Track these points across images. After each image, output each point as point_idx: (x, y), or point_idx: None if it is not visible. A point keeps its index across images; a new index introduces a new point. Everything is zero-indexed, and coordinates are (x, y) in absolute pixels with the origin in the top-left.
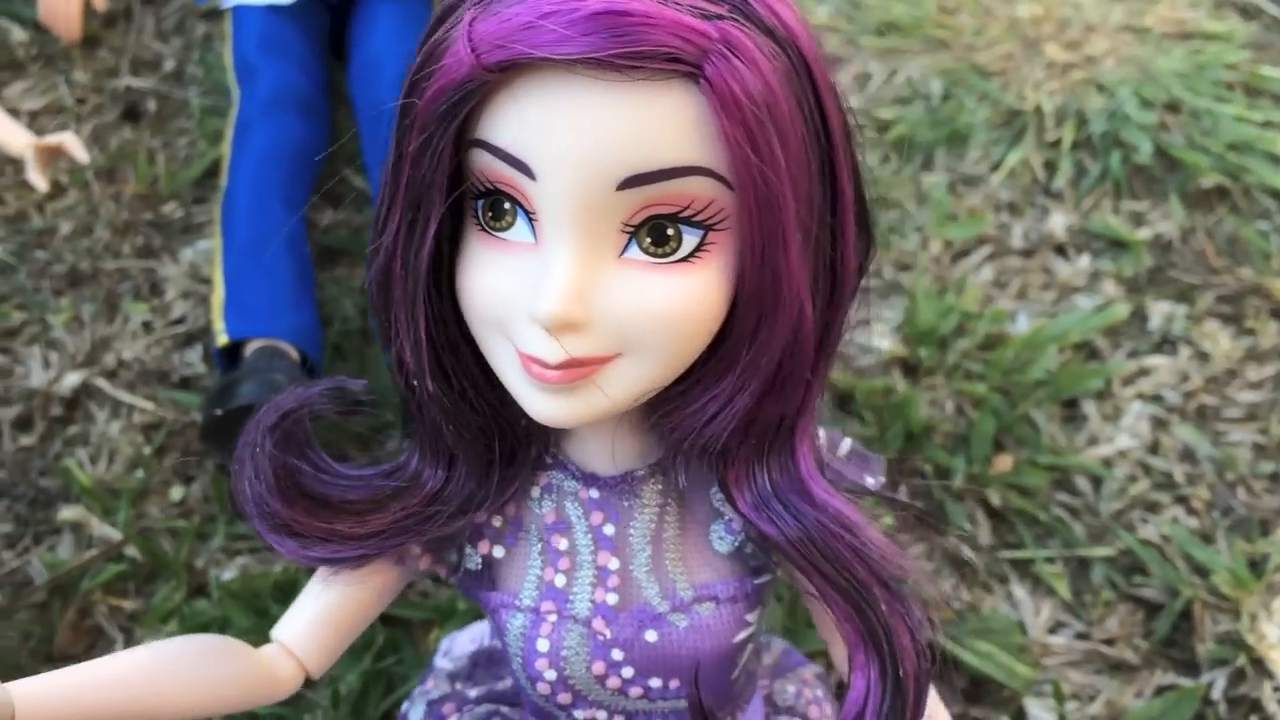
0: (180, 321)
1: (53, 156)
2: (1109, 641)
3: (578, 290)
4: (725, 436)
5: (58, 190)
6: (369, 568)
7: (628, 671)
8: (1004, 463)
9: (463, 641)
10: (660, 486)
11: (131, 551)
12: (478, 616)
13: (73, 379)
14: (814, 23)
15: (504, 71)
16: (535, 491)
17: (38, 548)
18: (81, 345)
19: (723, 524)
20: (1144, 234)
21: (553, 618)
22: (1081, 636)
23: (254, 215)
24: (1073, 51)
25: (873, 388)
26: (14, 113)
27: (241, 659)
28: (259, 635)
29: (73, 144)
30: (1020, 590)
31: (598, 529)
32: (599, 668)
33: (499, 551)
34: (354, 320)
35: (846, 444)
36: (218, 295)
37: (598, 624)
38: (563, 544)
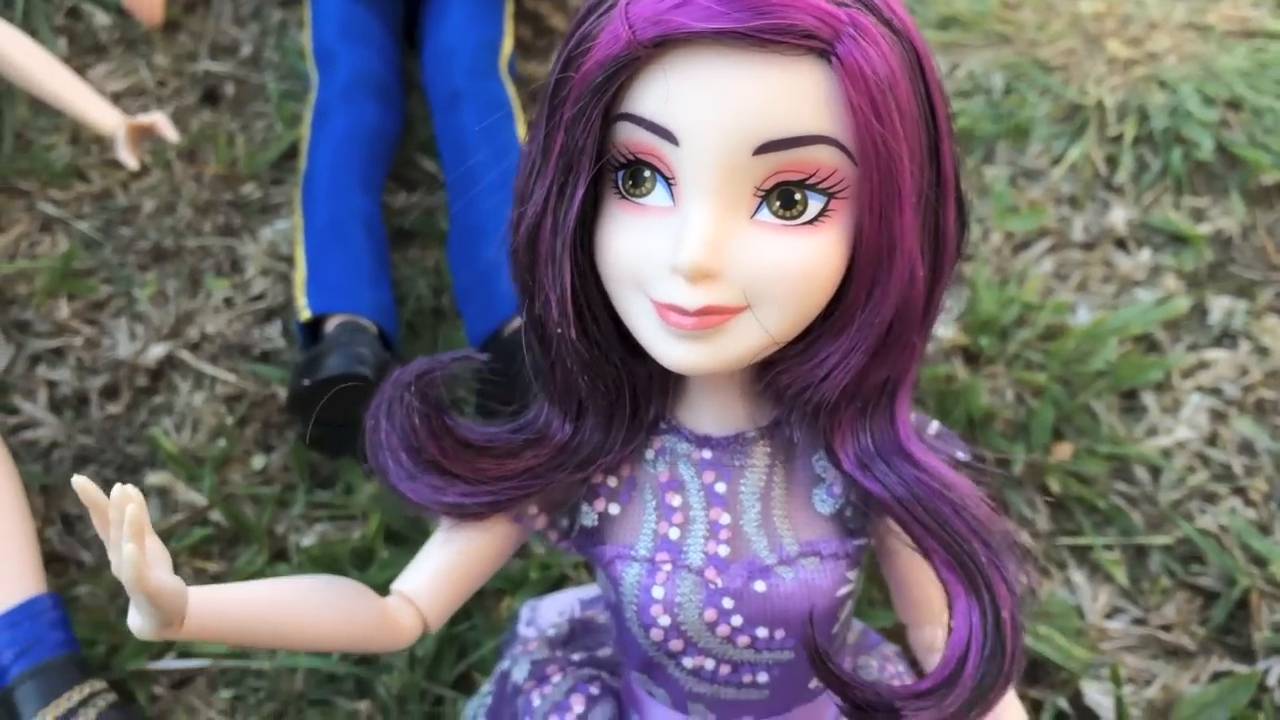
0: (260, 298)
1: (143, 136)
2: (1166, 628)
3: (715, 242)
4: (837, 394)
5: (142, 170)
6: (489, 524)
7: (737, 620)
8: (1063, 451)
9: (547, 612)
10: (768, 449)
11: (216, 517)
12: (550, 587)
13: (158, 351)
14: None
15: (657, 47)
16: (650, 454)
17: None
18: (166, 319)
19: (824, 488)
20: (1204, 229)
21: (667, 567)
22: (1139, 622)
23: (333, 196)
24: (1135, 48)
25: (934, 374)
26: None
27: (375, 602)
28: None
29: (163, 124)
30: (1079, 576)
31: (709, 486)
32: (710, 615)
33: (614, 509)
34: (427, 299)
35: (934, 425)
36: (300, 272)
37: (710, 573)
38: (676, 500)
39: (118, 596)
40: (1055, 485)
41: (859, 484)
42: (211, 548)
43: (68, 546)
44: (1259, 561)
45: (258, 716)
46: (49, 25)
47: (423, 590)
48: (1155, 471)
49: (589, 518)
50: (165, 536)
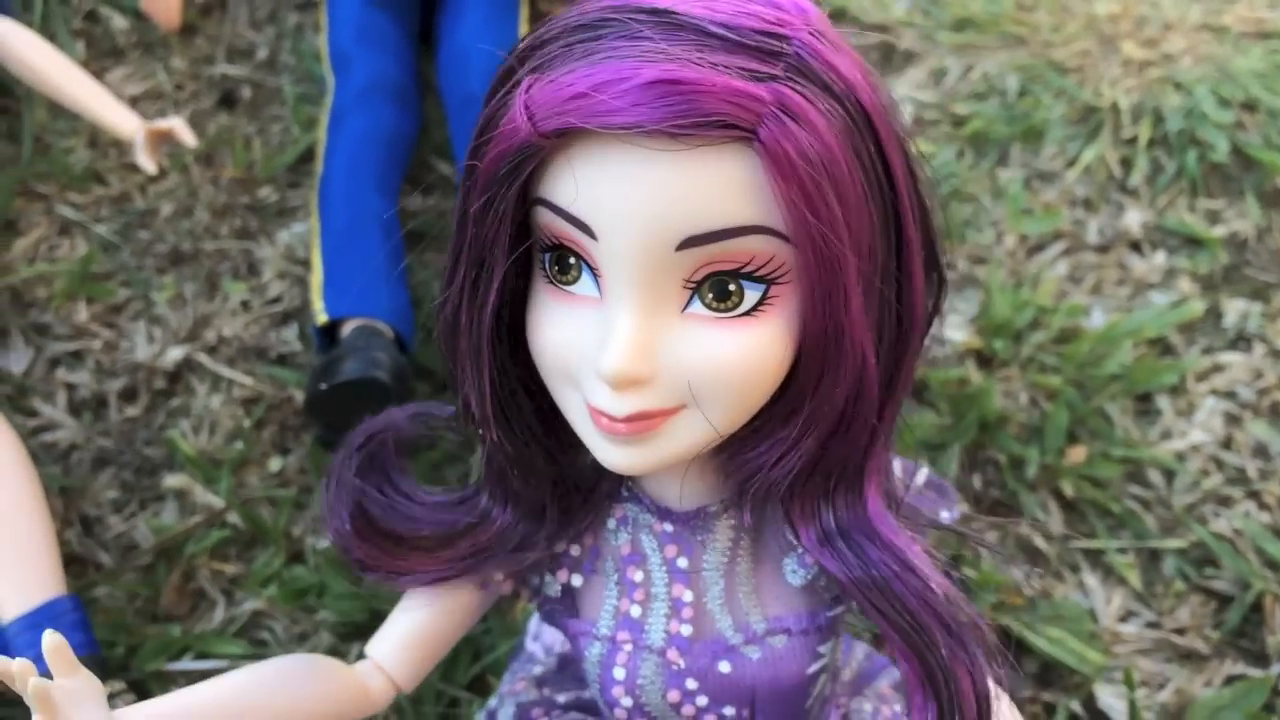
0: (277, 301)
1: (161, 140)
2: (1179, 631)
3: (641, 347)
4: (790, 479)
5: (159, 173)
6: (454, 590)
7: (702, 700)
8: (1077, 454)
9: (551, 629)
10: (733, 521)
11: (233, 518)
12: None
13: (175, 353)
14: (892, 18)
15: (560, 137)
16: (611, 523)
17: (143, 513)
18: (183, 322)
19: (795, 557)
20: (1219, 232)
21: (628, 647)
22: (1152, 625)
23: (350, 200)
24: (1150, 49)
25: (947, 378)
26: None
27: (336, 678)
28: (354, 600)
29: (181, 129)
30: (1092, 579)
31: (672, 561)
32: (674, 696)
33: (577, 580)
34: None
35: (923, 474)
36: (316, 276)
37: (672, 654)
38: (638, 575)
39: (136, 597)
40: (1069, 489)
41: (819, 563)
42: (229, 550)
43: (86, 548)
44: (1273, 565)
45: None
46: (67, 29)
47: (391, 656)
48: (1169, 475)
49: (553, 588)
50: (184, 539)
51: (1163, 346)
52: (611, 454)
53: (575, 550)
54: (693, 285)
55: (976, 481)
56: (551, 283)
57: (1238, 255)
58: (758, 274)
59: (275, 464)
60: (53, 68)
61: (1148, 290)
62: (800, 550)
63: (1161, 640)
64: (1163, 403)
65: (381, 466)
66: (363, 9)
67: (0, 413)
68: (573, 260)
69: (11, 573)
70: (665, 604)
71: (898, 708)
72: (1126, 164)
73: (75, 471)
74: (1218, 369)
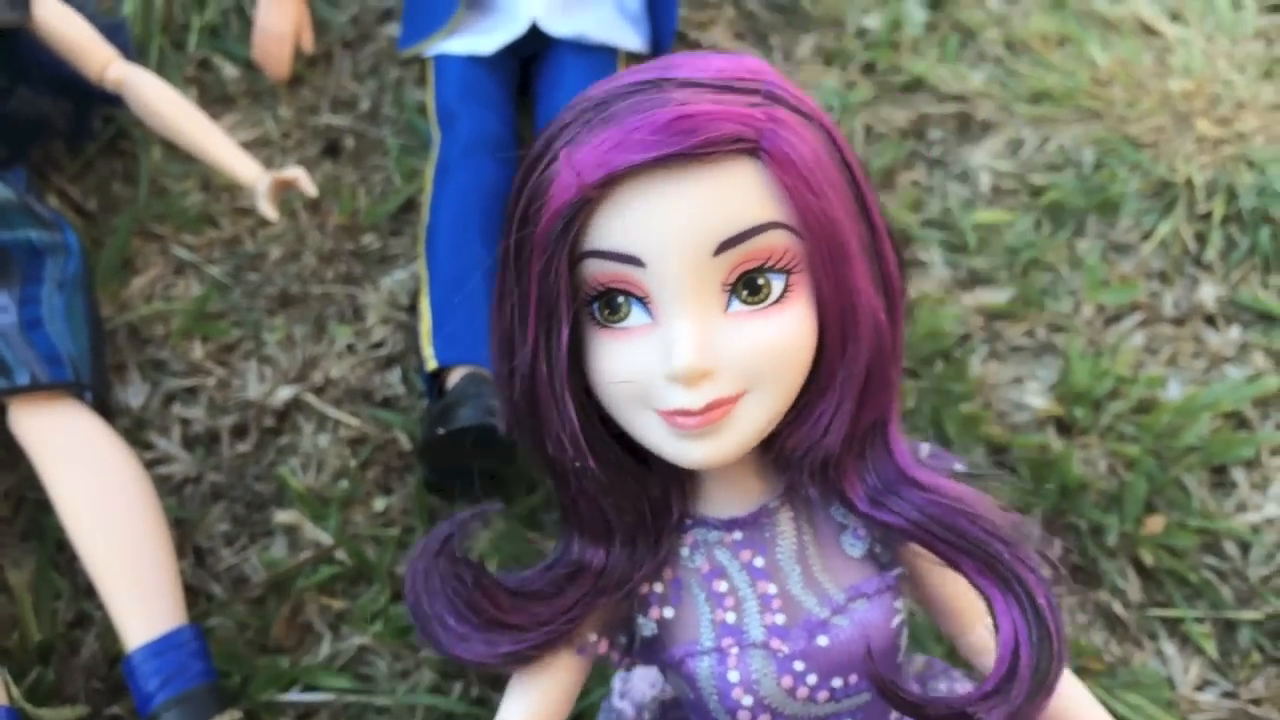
0: (380, 345)
1: (283, 188)
2: (1256, 701)
3: (703, 343)
4: (839, 445)
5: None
6: (552, 664)
7: (812, 679)
8: (1155, 523)
9: (639, 685)
10: (791, 513)
11: (340, 555)
12: None
13: (285, 393)
14: (969, 89)
15: (604, 186)
16: (685, 551)
17: (254, 546)
18: (293, 363)
19: (850, 533)
20: None
21: (735, 650)
22: (1229, 695)
23: (456, 251)
24: (1223, 127)
25: (1028, 443)
26: None
27: None
28: None
29: (303, 178)
30: (1170, 647)
31: (749, 564)
32: (787, 681)
33: (669, 612)
34: None
35: (925, 447)
36: (425, 324)
37: (775, 643)
38: (723, 586)
39: (246, 629)
40: (1148, 557)
41: (877, 520)
42: (336, 585)
43: (199, 579)
44: None
45: None
46: (180, 76)
47: None
48: (1245, 547)
49: (648, 628)
50: (294, 573)
51: (1238, 420)
52: (692, 451)
53: (659, 587)
54: (729, 286)
55: (1057, 547)
56: (603, 326)
57: None
58: (779, 266)
59: (380, 504)
60: (179, 115)
61: (1223, 364)
62: (851, 527)
63: (1238, 710)
64: (1238, 475)
65: (472, 564)
66: (467, 67)
67: (127, 445)
68: (620, 299)
69: (137, 602)
70: (755, 602)
71: (969, 685)
72: (1201, 239)
73: (189, 504)
74: None
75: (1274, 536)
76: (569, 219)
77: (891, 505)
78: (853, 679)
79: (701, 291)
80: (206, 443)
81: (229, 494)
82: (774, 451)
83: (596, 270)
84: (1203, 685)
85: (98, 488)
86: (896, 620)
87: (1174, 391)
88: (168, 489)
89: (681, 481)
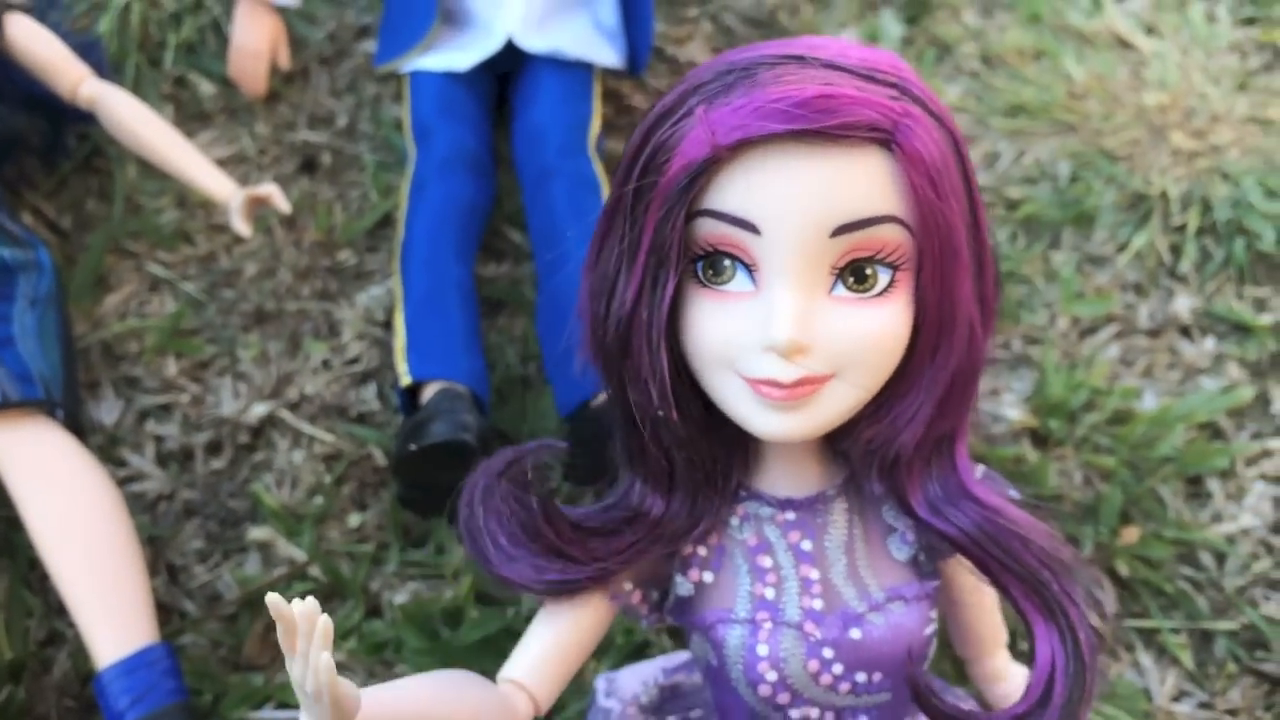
0: (356, 361)
1: (257, 205)
2: (1232, 712)
3: (804, 319)
4: (911, 448)
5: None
6: (586, 601)
7: (838, 668)
8: (1131, 534)
9: (627, 682)
10: (845, 504)
11: (314, 572)
12: (634, 652)
13: (259, 409)
14: (946, 102)
15: (736, 148)
16: (735, 521)
17: (227, 563)
18: (267, 379)
19: (898, 536)
20: (1266, 319)
21: (768, 625)
22: (1205, 706)
23: (431, 267)
24: (1198, 140)
25: (1004, 455)
26: None
27: (496, 693)
28: (430, 656)
29: (277, 195)
30: (1146, 659)
31: (796, 546)
32: (813, 665)
33: (708, 576)
34: (515, 367)
35: (980, 469)
36: (399, 339)
37: (809, 626)
38: (767, 562)
39: (219, 646)
40: (1123, 568)
41: (933, 528)
42: None
43: (172, 597)
44: None
45: None
46: (157, 93)
47: (532, 673)
48: (1220, 557)
49: (684, 588)
50: (267, 590)
51: (1213, 431)
52: (771, 421)
53: (703, 550)
54: (837, 270)
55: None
56: (705, 285)
57: None
58: (888, 260)
59: (354, 519)
60: (152, 132)
61: (1198, 375)
62: (900, 530)
63: None
64: (1213, 486)
65: (540, 490)
66: (443, 83)
67: (99, 463)
68: (727, 262)
69: (108, 620)
70: (795, 584)
71: (975, 705)
72: (1176, 251)
73: (162, 521)
74: (1266, 454)
75: (1249, 547)
76: (695, 174)
77: (950, 516)
78: (876, 677)
79: (810, 269)
80: (180, 460)
81: (202, 511)
82: (844, 442)
83: (709, 230)
84: (1179, 696)
85: (68, 505)
86: (929, 629)
87: (1149, 403)
88: (141, 506)
89: (746, 452)
